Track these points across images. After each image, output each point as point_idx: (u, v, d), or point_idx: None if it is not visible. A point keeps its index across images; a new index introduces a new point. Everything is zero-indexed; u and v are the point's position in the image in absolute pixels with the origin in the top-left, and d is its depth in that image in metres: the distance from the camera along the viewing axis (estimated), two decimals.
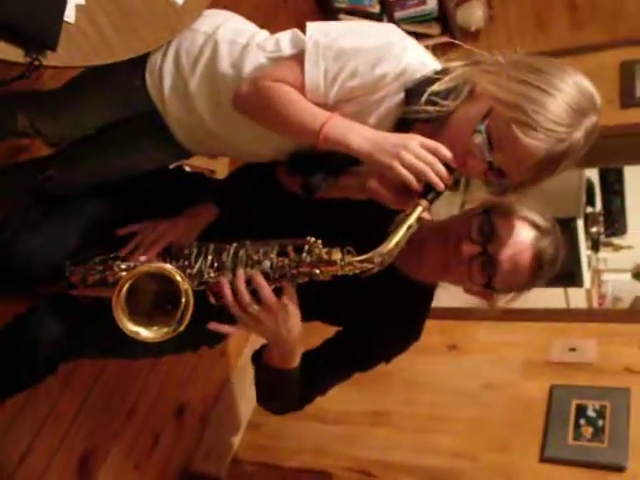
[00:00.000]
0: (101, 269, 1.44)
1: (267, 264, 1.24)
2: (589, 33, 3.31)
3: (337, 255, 1.18)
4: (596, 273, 5.03)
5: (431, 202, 1.14)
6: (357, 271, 1.16)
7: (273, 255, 1.25)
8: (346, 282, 1.20)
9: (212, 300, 1.30)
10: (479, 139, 1.12)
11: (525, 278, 1.31)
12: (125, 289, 1.18)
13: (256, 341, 2.83)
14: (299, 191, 1.39)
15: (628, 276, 5.14)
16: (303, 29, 1.29)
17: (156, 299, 1.25)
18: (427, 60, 1.24)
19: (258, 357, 1.40)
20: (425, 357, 2.56)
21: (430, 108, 1.19)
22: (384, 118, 1.24)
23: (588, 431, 2.26)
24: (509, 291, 1.34)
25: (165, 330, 1.21)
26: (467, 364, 2.64)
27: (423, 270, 1.40)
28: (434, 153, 1.12)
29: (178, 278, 1.20)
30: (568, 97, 1.09)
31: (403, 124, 1.23)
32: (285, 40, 1.34)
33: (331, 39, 1.21)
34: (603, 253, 5.10)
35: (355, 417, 2.53)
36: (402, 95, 1.21)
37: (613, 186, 4.91)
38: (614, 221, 5.06)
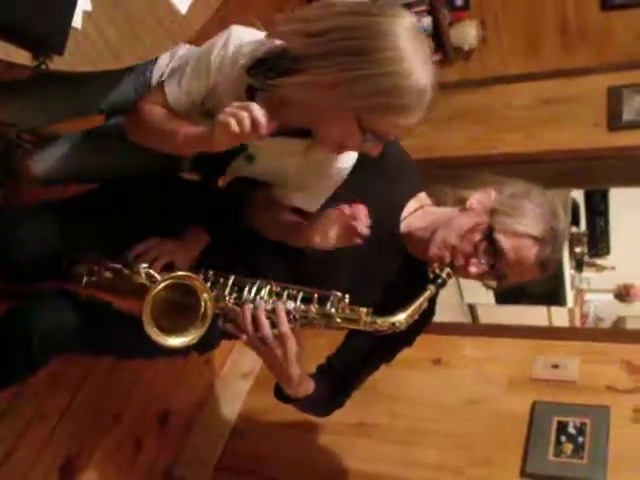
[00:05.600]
0: (95, 270, 1.49)
1: (291, 304, 1.30)
2: (580, 56, 3.37)
3: (357, 315, 1.28)
4: (579, 293, 5.08)
5: (437, 289, 1.32)
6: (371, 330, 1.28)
7: (298, 298, 1.32)
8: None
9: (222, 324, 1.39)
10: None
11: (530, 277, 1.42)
12: (154, 295, 1.24)
13: (240, 350, 2.86)
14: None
15: (610, 297, 5.20)
16: None
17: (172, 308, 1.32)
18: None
19: (279, 390, 1.49)
20: (410, 371, 2.58)
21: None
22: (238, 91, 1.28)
23: (568, 448, 2.29)
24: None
25: (191, 337, 1.31)
26: (451, 379, 2.65)
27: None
28: None
29: (205, 295, 1.28)
30: None
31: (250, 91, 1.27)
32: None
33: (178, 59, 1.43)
34: (586, 273, 5.16)
35: (339, 428, 2.53)
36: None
37: (598, 207, 4.96)
38: (598, 242, 5.11)
